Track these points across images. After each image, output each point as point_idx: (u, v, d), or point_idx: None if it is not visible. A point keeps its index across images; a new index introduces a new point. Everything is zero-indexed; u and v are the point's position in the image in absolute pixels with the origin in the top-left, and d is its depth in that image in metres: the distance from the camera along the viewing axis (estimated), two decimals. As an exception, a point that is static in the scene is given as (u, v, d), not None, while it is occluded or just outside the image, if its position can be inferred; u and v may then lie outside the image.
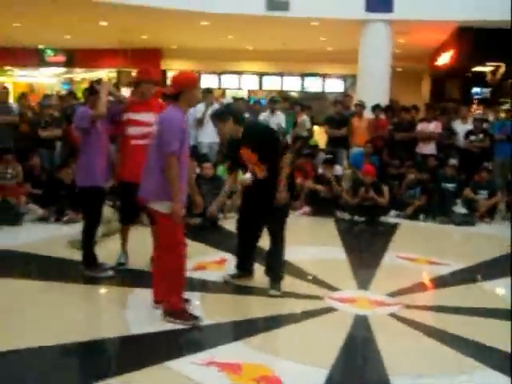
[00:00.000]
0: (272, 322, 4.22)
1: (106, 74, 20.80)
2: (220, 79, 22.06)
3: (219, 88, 21.25)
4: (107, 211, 6.92)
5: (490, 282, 5.73)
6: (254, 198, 5.11)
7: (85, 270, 5.25)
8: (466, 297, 5.27)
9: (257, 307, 4.60)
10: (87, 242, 5.27)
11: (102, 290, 5.25)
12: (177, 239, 4.25)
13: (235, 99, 10.85)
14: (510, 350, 3.96)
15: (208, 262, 5.87)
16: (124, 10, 11.90)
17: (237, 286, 5.19)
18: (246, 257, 5.30)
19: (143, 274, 5.23)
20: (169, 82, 19.16)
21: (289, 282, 5.18)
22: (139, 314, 4.44)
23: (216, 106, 9.70)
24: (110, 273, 5.29)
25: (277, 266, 5.03)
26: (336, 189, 8.61)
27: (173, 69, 21.10)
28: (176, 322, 4.20)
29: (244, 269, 5.31)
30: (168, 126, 4.14)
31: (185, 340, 4.14)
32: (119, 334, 4.14)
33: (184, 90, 4.24)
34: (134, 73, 19.84)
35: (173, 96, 4.32)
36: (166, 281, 4.27)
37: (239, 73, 22.10)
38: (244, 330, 4.27)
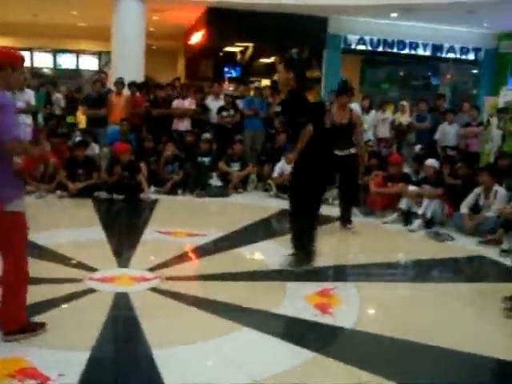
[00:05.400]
0: (28, 311, 3.96)
1: None
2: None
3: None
4: None
5: (245, 247, 6.11)
6: None
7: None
8: (223, 264, 5.53)
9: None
10: None
11: None
12: (26, 240, 3.73)
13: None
14: (264, 309, 4.31)
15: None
16: None
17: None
18: None
19: None
20: None
21: (45, 267, 4.94)
22: None
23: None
24: None
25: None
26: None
27: None
28: (25, 336, 3.64)
29: None
30: (9, 107, 3.46)
31: None
32: None
33: (5, 67, 3.51)
34: None
35: None
36: (17, 292, 3.63)
37: (-19, 48, 20.12)
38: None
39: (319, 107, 5.35)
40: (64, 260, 5.33)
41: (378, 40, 15.10)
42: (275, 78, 16.12)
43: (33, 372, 3.26)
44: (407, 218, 7.33)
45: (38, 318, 3.88)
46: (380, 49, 15.23)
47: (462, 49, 15.74)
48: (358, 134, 7.03)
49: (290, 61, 5.16)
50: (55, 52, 20.88)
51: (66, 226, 6.78)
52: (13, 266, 3.60)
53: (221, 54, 17.73)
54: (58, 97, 10.80)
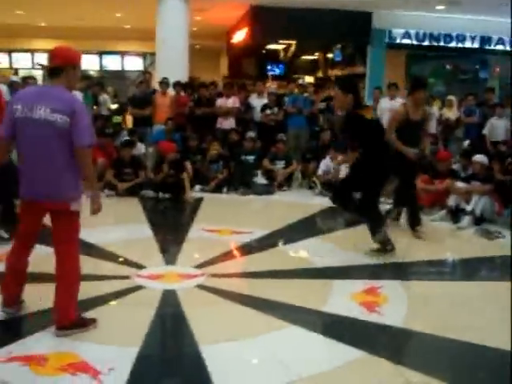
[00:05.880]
0: (78, 307, 4.04)
1: None
2: (11, 57, 20.47)
3: (11, 67, 19.78)
4: None
5: (291, 245, 6.09)
6: None
7: None
8: (268, 261, 5.53)
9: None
10: None
11: None
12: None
13: (24, 78, 10.15)
14: (310, 307, 4.28)
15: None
16: None
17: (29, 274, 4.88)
18: None
19: None
20: None
21: (94, 264, 5.04)
22: None
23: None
24: None
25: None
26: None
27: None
28: (76, 332, 3.72)
29: None
30: (84, 111, 3.53)
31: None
32: None
33: (68, 66, 3.59)
34: None
35: (53, 71, 3.59)
36: (70, 289, 3.72)
37: (32, 51, 20.62)
38: (46, 319, 4.03)
39: (375, 123, 5.65)
40: (112, 257, 5.42)
41: (424, 33, 14.75)
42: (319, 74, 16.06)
43: (84, 366, 3.32)
44: (456, 215, 7.18)
45: (88, 314, 3.96)
46: (426, 42, 14.89)
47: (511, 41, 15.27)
48: (425, 131, 6.79)
49: (347, 84, 5.52)
50: (101, 54, 21.27)
51: (113, 224, 6.90)
52: (68, 263, 3.69)
53: (264, 51, 17.75)
54: (105, 97, 10.99)
